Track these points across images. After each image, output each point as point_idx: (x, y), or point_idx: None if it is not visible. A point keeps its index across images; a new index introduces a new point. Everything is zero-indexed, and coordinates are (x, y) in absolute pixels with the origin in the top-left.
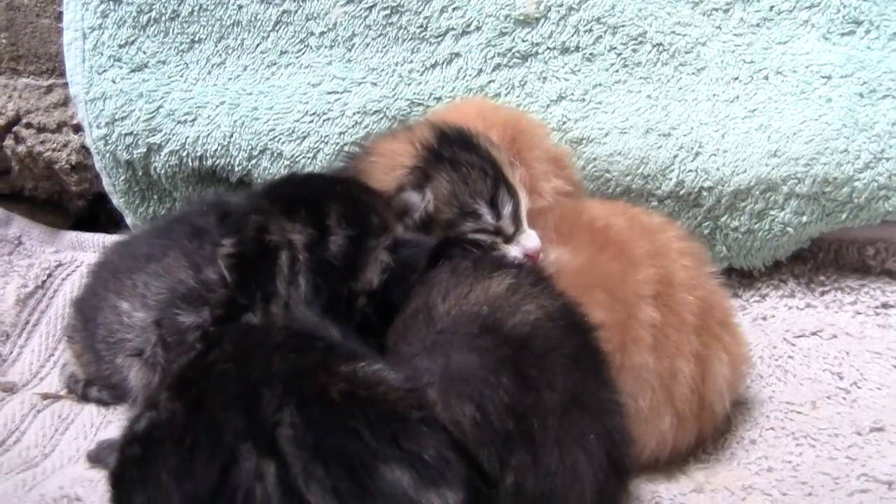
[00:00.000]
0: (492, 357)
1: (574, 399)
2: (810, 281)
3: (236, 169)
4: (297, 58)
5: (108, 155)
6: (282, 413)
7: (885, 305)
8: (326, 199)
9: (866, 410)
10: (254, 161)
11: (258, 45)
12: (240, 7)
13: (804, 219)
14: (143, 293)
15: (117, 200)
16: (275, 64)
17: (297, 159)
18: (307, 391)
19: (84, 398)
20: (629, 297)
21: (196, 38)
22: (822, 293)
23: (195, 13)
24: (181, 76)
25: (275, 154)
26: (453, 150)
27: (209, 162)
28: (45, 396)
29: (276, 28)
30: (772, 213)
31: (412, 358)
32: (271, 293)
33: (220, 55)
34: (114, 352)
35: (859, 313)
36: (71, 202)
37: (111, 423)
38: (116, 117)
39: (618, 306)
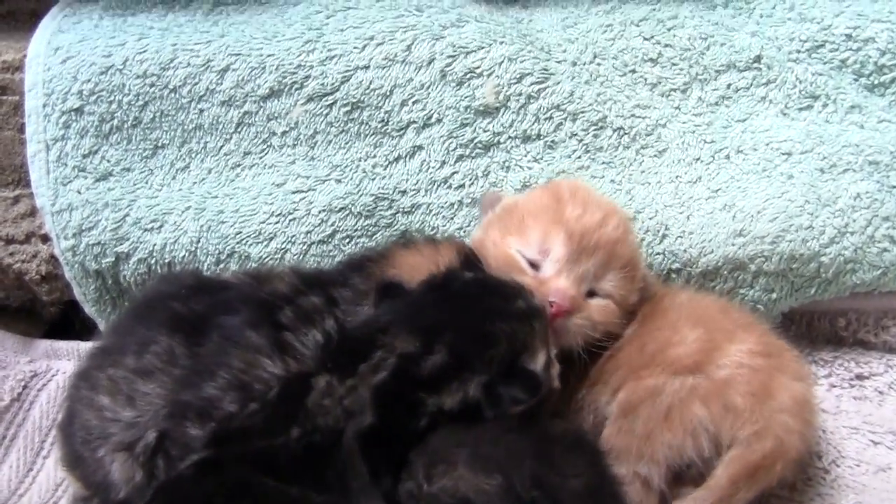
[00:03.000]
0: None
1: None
2: None
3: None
4: (261, 158)
5: (76, 265)
6: None
7: (859, 377)
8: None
9: (846, 490)
10: (222, 265)
11: (221, 147)
12: (201, 111)
13: (774, 295)
14: (125, 389)
15: (89, 309)
16: (239, 165)
17: (265, 261)
18: None
19: None
20: None
21: (159, 144)
22: None
23: (157, 119)
24: (146, 183)
25: (242, 256)
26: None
27: (178, 268)
28: None
29: (239, 129)
30: (741, 291)
31: None
32: None
33: (184, 159)
34: (94, 446)
35: (834, 386)
36: (44, 309)
37: None
38: (83, 228)
39: None
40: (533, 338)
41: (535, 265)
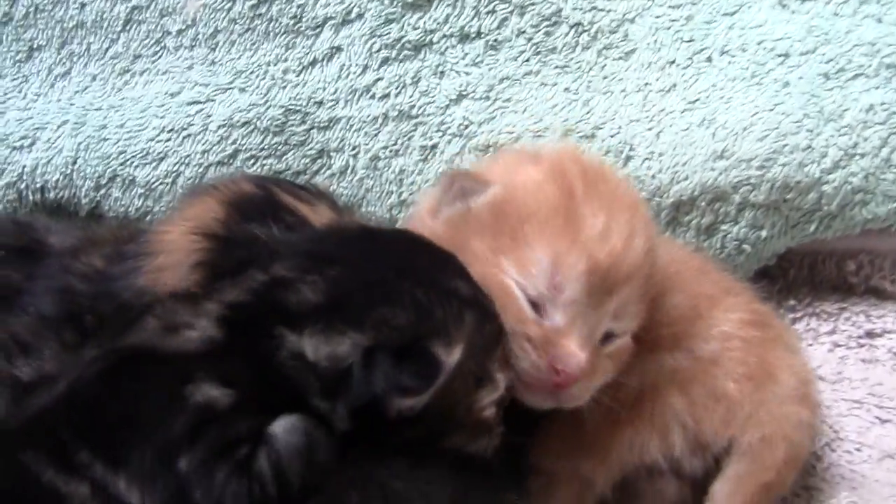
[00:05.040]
0: None
1: None
2: (779, 306)
3: (83, 201)
4: (153, 62)
5: None
6: None
7: (869, 334)
8: None
9: (840, 483)
10: (102, 191)
11: (107, 49)
12: (83, 5)
13: (763, 233)
14: None
15: None
16: (128, 71)
17: (154, 186)
18: None
19: None
20: None
21: (34, 45)
22: (794, 321)
23: (31, 15)
24: (19, 92)
25: (126, 181)
26: None
27: (52, 194)
28: None
29: (127, 28)
30: (723, 227)
31: None
32: None
33: (64, 63)
34: None
35: (838, 346)
36: None
37: None
38: None
39: None
40: (458, 329)
41: (537, 305)
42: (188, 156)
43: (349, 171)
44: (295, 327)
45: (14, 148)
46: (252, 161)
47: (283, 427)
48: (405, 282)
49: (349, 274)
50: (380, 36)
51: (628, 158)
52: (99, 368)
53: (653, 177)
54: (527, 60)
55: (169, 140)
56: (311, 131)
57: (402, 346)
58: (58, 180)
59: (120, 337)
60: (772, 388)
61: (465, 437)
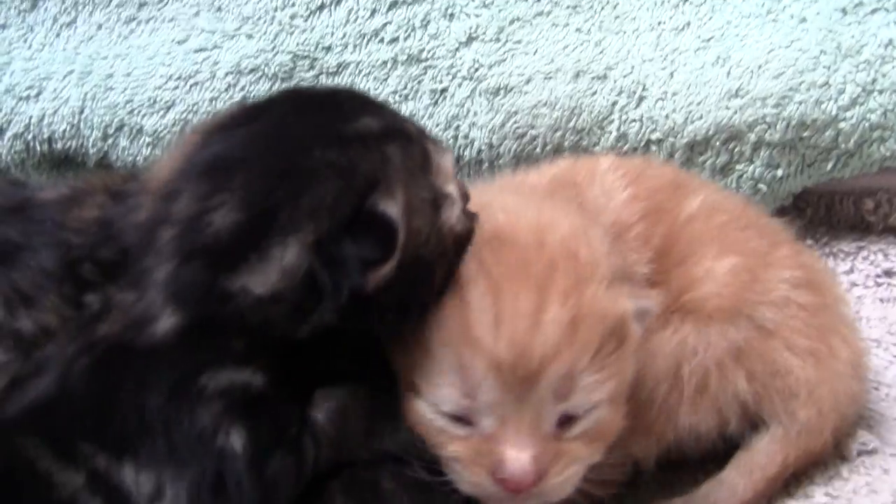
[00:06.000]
0: None
1: None
2: None
3: (90, 151)
4: (159, 9)
5: None
6: None
7: (887, 273)
8: None
9: (858, 422)
10: (109, 140)
11: None
12: None
13: (779, 172)
14: None
15: None
16: (134, 19)
17: (161, 134)
18: None
19: None
20: None
21: None
22: None
23: None
24: (24, 41)
25: (134, 130)
26: None
27: (59, 145)
28: None
29: None
30: (738, 167)
31: None
32: None
33: (69, 13)
34: None
35: (855, 285)
36: None
37: None
38: None
39: None
40: (390, 171)
41: (460, 417)
42: (196, 104)
43: None
44: (233, 269)
45: (20, 98)
46: None
47: (324, 409)
48: (313, 152)
49: (252, 174)
50: None
51: (641, 99)
52: (84, 366)
53: (666, 117)
54: (538, 1)
55: (176, 88)
56: (320, 77)
57: (345, 222)
58: (65, 130)
59: (93, 330)
60: (831, 364)
61: (451, 262)
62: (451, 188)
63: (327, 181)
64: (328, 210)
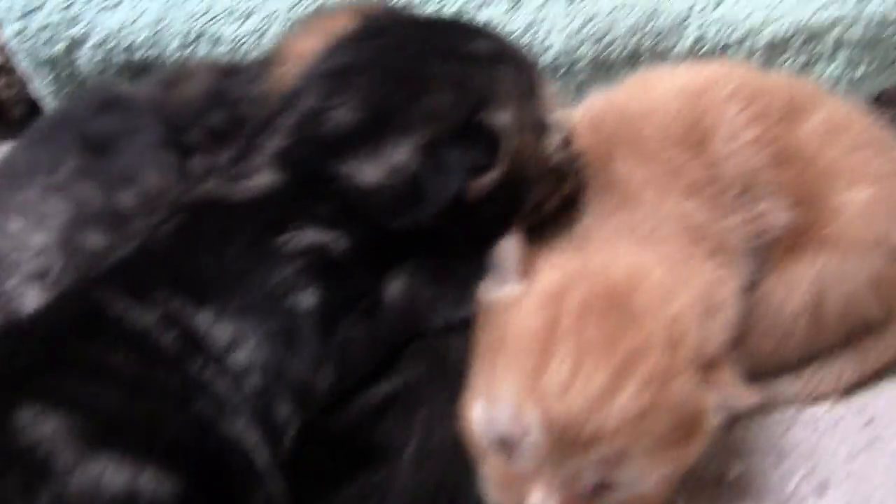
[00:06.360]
0: None
1: None
2: None
3: (169, 60)
4: None
5: (27, 53)
6: None
7: None
8: None
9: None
10: (189, 49)
11: None
12: None
13: (860, 71)
14: (36, 210)
15: (48, 106)
16: None
17: (241, 43)
18: None
19: None
20: None
21: None
22: None
23: None
24: None
25: (213, 39)
26: None
27: (138, 53)
28: None
29: None
30: (818, 67)
31: None
32: None
33: None
34: (4, 277)
35: None
36: (8, 111)
37: None
38: (29, 7)
39: None
40: (500, 89)
41: (506, 443)
42: (275, 11)
43: None
44: (343, 157)
45: (101, 9)
46: None
47: (394, 283)
48: (432, 65)
49: (374, 79)
50: None
51: (720, 1)
52: (173, 225)
53: (746, 17)
54: None
55: None
56: None
57: (457, 130)
58: (144, 39)
59: (191, 192)
60: None
61: (543, 191)
62: (554, 118)
63: (443, 91)
64: (442, 117)
